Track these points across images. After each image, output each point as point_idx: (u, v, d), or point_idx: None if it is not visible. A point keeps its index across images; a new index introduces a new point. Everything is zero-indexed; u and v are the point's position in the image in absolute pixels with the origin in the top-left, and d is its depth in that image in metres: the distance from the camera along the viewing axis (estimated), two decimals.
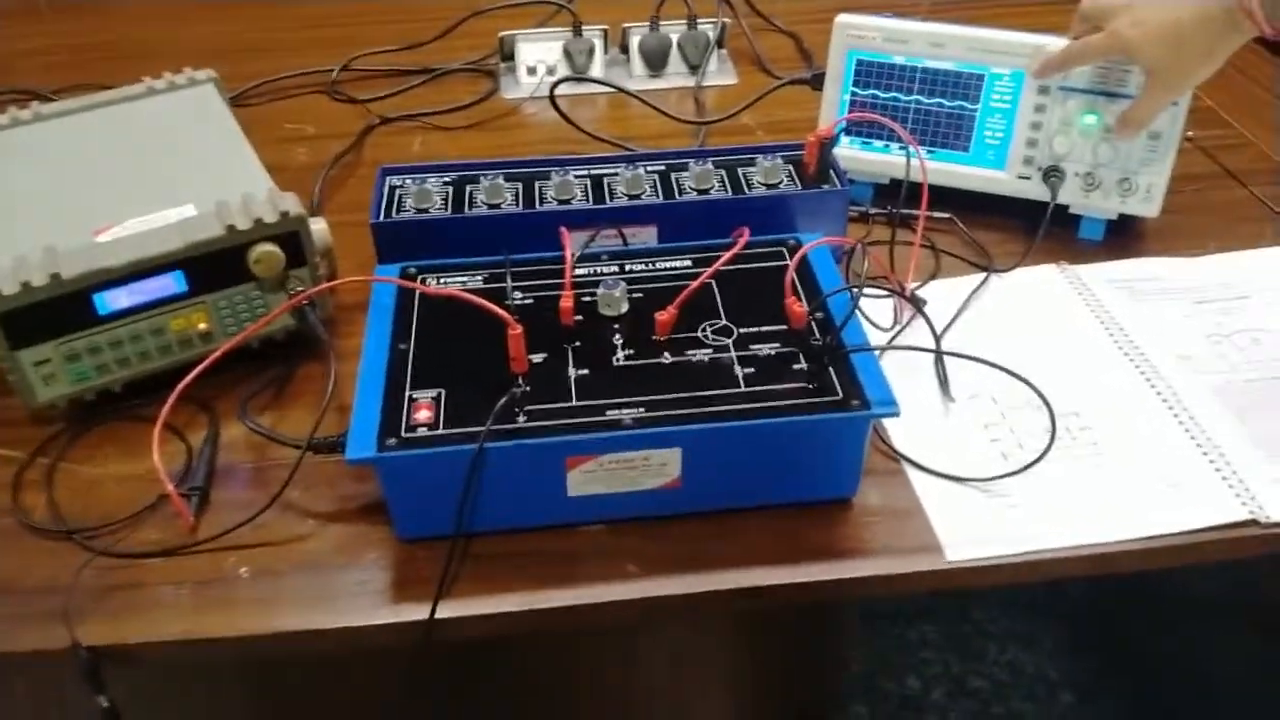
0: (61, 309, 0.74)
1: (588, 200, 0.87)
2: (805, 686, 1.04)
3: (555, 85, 1.09)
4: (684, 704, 0.96)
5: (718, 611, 0.75)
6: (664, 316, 0.72)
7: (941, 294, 0.89)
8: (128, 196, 0.81)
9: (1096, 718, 1.40)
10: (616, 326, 0.73)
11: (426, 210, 0.86)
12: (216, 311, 0.79)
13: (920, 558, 0.68)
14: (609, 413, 0.66)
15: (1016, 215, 0.97)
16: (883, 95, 0.98)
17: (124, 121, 0.91)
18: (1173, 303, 0.88)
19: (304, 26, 1.39)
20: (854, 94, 0.99)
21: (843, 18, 0.97)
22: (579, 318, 0.74)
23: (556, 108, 1.08)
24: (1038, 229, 0.93)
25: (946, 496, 0.72)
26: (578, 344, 0.72)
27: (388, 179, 0.90)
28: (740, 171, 0.90)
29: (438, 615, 0.65)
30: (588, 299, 0.75)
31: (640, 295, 0.76)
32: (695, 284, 0.73)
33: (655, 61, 1.24)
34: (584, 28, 1.22)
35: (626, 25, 1.25)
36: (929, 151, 0.97)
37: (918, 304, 0.84)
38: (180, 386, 0.70)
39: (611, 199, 0.88)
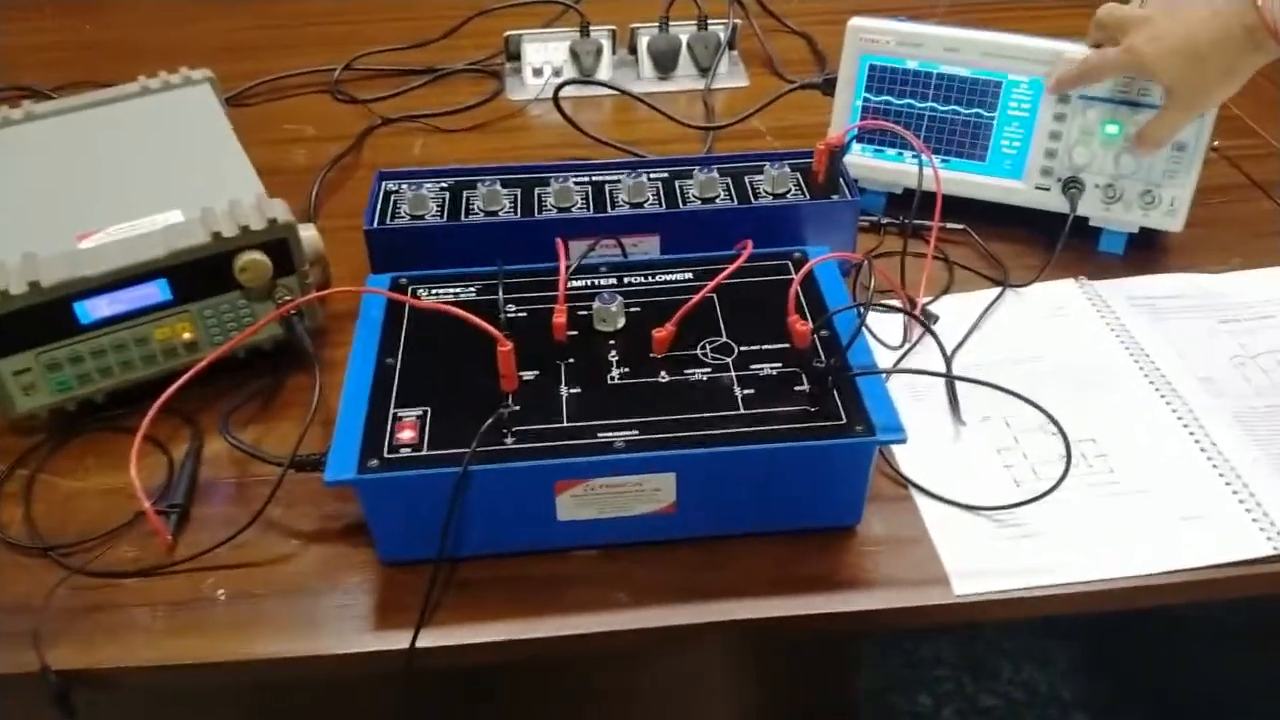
0: (41, 317, 0.72)
1: (588, 208, 0.85)
2: (814, 704, 1.01)
3: (560, 88, 1.06)
4: None
5: (710, 643, 0.72)
6: (661, 334, 0.69)
7: (955, 309, 0.86)
8: (113, 200, 0.79)
9: None
10: (612, 343, 0.70)
11: (422, 217, 0.83)
12: (202, 321, 0.77)
13: (925, 590, 0.65)
14: (601, 434, 0.63)
15: (1034, 227, 0.93)
16: (896, 101, 0.95)
17: (115, 122, 0.89)
18: (1196, 322, 0.84)
19: (307, 24, 1.37)
20: (866, 100, 0.95)
21: (855, 21, 0.94)
22: (573, 333, 0.71)
23: (561, 111, 1.06)
24: (1056, 242, 0.89)
25: (955, 525, 0.69)
26: (571, 361, 0.69)
27: (384, 184, 0.87)
28: (747, 179, 0.87)
29: (420, 644, 0.62)
30: (584, 313, 0.72)
31: (638, 309, 0.73)
32: (694, 300, 0.70)
33: (664, 63, 1.21)
34: (592, 28, 1.20)
35: (635, 26, 1.22)
36: (943, 160, 0.94)
37: (928, 322, 0.81)
38: (161, 399, 0.68)
39: (613, 207, 0.85)
